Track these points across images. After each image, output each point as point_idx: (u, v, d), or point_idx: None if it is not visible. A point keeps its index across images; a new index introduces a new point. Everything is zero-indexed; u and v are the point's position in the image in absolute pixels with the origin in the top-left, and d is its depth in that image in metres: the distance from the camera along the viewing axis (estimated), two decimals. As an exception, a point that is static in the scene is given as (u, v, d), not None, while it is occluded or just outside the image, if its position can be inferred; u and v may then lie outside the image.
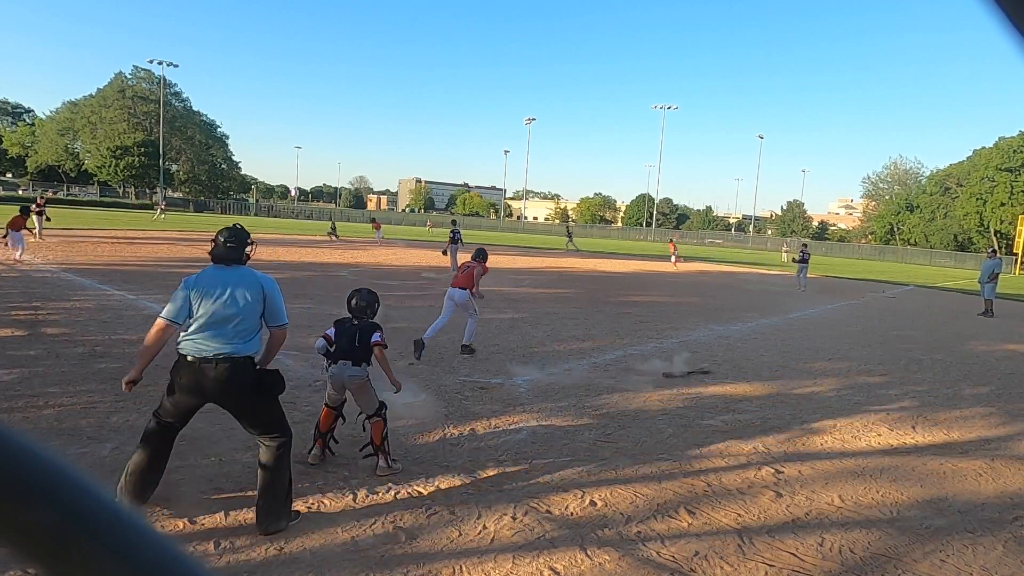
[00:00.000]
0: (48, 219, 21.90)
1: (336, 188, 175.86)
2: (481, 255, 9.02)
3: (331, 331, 4.61)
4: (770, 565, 3.55)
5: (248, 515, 3.71)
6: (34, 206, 20.51)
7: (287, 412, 5.53)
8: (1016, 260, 55.91)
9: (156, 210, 40.83)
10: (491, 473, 4.57)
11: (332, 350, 4.55)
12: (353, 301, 4.71)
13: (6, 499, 0.28)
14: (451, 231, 19.75)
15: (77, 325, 8.33)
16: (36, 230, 20.27)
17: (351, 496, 4.05)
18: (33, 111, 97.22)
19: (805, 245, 23.84)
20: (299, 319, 9.91)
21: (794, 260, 22.54)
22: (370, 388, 4.51)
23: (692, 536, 3.84)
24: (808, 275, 22.16)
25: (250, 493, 3.99)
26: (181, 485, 4.05)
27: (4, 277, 12.33)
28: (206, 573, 0.33)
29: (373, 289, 4.87)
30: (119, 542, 0.30)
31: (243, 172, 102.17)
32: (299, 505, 3.87)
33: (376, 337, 4.51)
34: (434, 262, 22.33)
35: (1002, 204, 68.19)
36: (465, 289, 8.56)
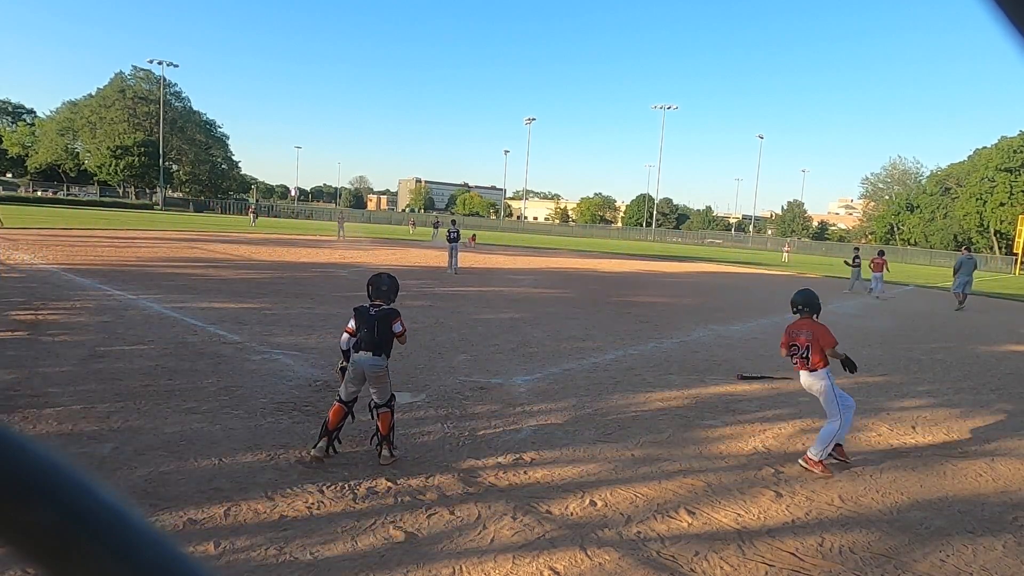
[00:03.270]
0: None
1: (336, 188, 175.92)
2: (882, 253, 20.46)
3: (351, 322, 4.64)
4: (770, 565, 3.55)
5: (248, 515, 3.72)
6: None
7: (287, 413, 5.55)
8: (1016, 260, 55.92)
9: (251, 217, 40.97)
10: (491, 473, 4.57)
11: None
12: (372, 287, 4.79)
13: (6, 499, 0.28)
14: (448, 231, 19.95)
15: (77, 325, 8.33)
16: None
17: (351, 496, 4.05)
18: (33, 111, 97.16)
19: (857, 249, 24.05)
20: (300, 319, 9.92)
21: (846, 263, 22.86)
22: (388, 378, 4.64)
23: (692, 536, 3.84)
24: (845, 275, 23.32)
25: (250, 493, 4.00)
26: (181, 485, 4.04)
27: (5, 277, 12.33)
28: (206, 573, 0.33)
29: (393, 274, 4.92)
30: (119, 542, 0.30)
31: (243, 172, 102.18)
32: (299, 505, 3.87)
33: (397, 327, 4.63)
34: (432, 262, 22.34)
35: (1002, 204, 68.19)
36: (880, 272, 20.01)
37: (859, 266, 22.05)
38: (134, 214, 47.86)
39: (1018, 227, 56.31)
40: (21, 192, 79.95)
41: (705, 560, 3.57)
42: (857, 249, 23.99)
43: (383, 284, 4.76)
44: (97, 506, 0.30)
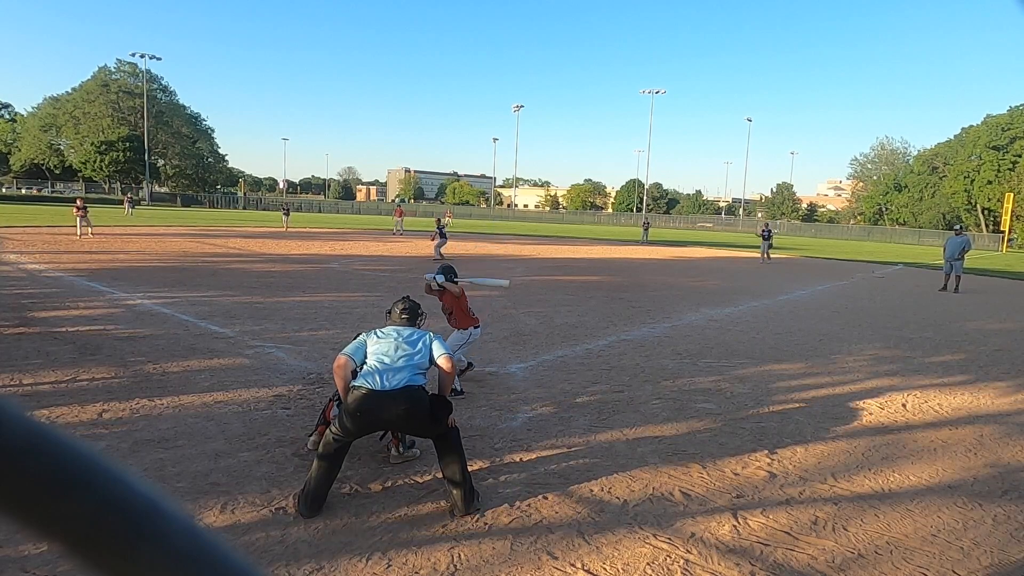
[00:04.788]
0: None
1: (325, 180, 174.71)
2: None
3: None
4: (765, 544, 3.60)
5: (246, 509, 3.72)
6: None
7: (285, 406, 5.55)
8: (1003, 237, 56.45)
9: (396, 225, 35.22)
10: (487, 460, 4.59)
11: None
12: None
13: (45, 492, 0.29)
14: (439, 226, 21.33)
15: (67, 323, 8.27)
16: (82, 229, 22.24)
17: (348, 486, 4.06)
18: (11, 106, 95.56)
19: (767, 224, 28.37)
20: (291, 312, 9.88)
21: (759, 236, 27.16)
22: None
23: (688, 517, 3.88)
24: (772, 254, 27.11)
25: (247, 487, 4.00)
26: (177, 480, 4.04)
27: (-9, 276, 12.20)
28: (241, 559, 0.34)
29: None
30: (155, 529, 0.31)
31: (230, 165, 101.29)
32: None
33: None
34: (424, 252, 22.29)
35: (989, 182, 68.68)
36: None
37: (768, 239, 26.06)
38: (120, 210, 47.31)
39: (1005, 205, 56.83)
40: (4, 191, 78.97)
41: (701, 541, 3.61)
42: (767, 224, 28.43)
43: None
44: (132, 495, 0.31)
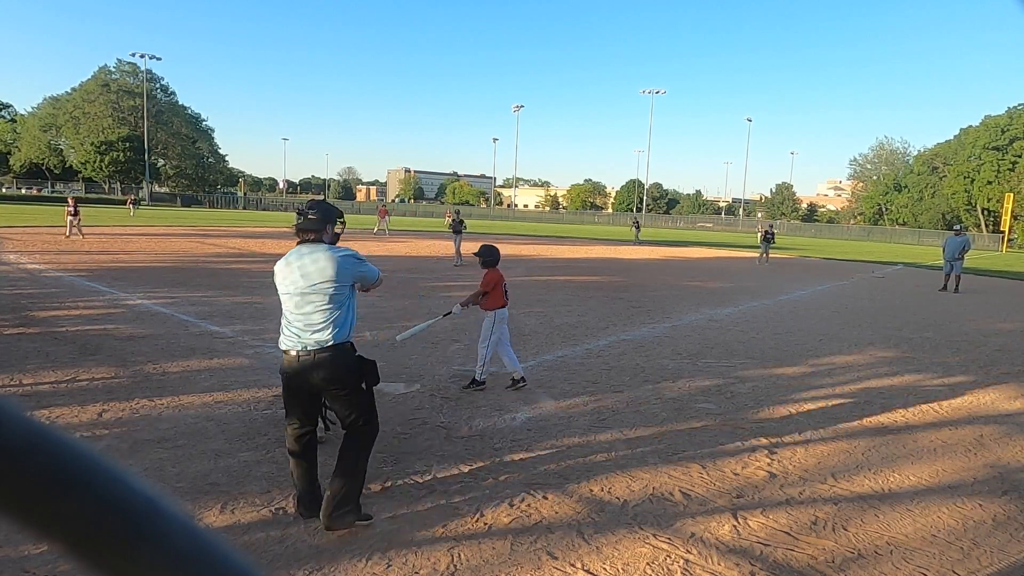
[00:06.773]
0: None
1: (324, 180, 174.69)
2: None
3: None
4: (765, 544, 3.60)
5: (245, 508, 3.72)
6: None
7: (282, 406, 5.53)
8: (1003, 238, 56.47)
9: (378, 225, 35.21)
10: (487, 460, 4.59)
11: None
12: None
13: (45, 492, 0.29)
14: (455, 220, 20.62)
15: (67, 323, 8.26)
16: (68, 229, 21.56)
17: (348, 487, 4.05)
18: (12, 106, 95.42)
19: (771, 226, 27.29)
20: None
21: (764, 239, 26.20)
22: None
23: (688, 517, 3.88)
24: (770, 255, 26.05)
25: (247, 487, 4.00)
26: (177, 480, 4.04)
27: (-9, 276, 12.20)
28: (240, 558, 0.34)
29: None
30: (154, 529, 0.31)
31: (230, 165, 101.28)
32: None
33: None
34: (423, 252, 22.31)
35: (989, 183, 68.63)
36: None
37: (769, 241, 25.00)
38: (122, 210, 47.32)
39: (1005, 205, 56.83)
40: (4, 191, 78.96)
41: (700, 541, 3.61)
42: (771, 226, 27.43)
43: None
44: (131, 495, 0.31)
